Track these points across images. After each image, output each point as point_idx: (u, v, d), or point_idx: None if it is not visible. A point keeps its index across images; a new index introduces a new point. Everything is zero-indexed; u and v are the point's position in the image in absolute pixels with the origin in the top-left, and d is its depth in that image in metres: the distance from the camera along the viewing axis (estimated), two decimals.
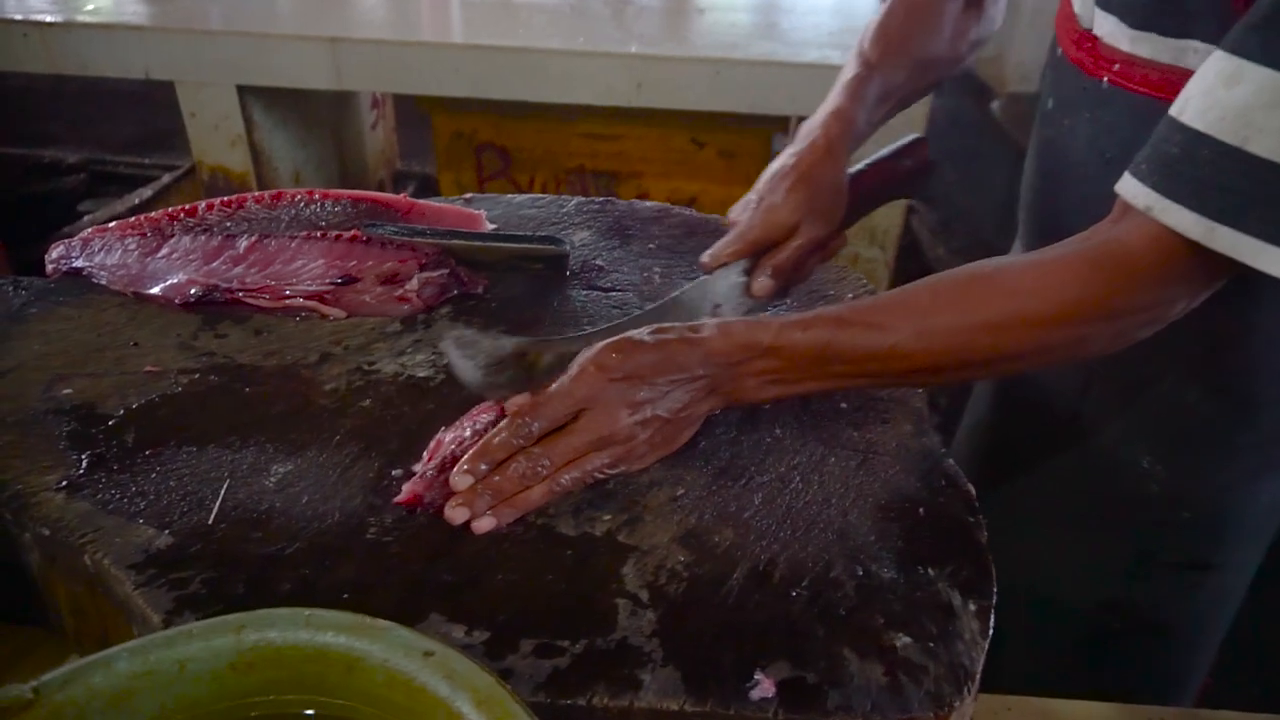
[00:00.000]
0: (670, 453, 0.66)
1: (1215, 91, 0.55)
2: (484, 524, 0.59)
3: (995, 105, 3.90)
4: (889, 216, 2.18)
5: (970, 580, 0.58)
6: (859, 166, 0.82)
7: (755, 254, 0.76)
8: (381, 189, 2.95)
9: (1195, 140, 0.56)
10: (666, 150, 2.38)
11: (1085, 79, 0.76)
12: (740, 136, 2.35)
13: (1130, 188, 0.60)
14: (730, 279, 0.76)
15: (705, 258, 0.77)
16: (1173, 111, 0.58)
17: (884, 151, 0.84)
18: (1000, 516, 0.96)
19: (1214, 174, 0.55)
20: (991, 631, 0.56)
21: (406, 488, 0.62)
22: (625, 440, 0.62)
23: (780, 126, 2.64)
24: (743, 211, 0.78)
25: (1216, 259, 0.56)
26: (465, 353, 0.64)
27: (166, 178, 2.44)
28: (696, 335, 0.63)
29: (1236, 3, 0.60)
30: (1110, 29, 0.72)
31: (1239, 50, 0.55)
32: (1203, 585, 0.89)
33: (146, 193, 2.33)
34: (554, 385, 0.62)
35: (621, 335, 0.63)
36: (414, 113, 2.43)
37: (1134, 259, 0.59)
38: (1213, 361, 0.79)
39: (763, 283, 0.75)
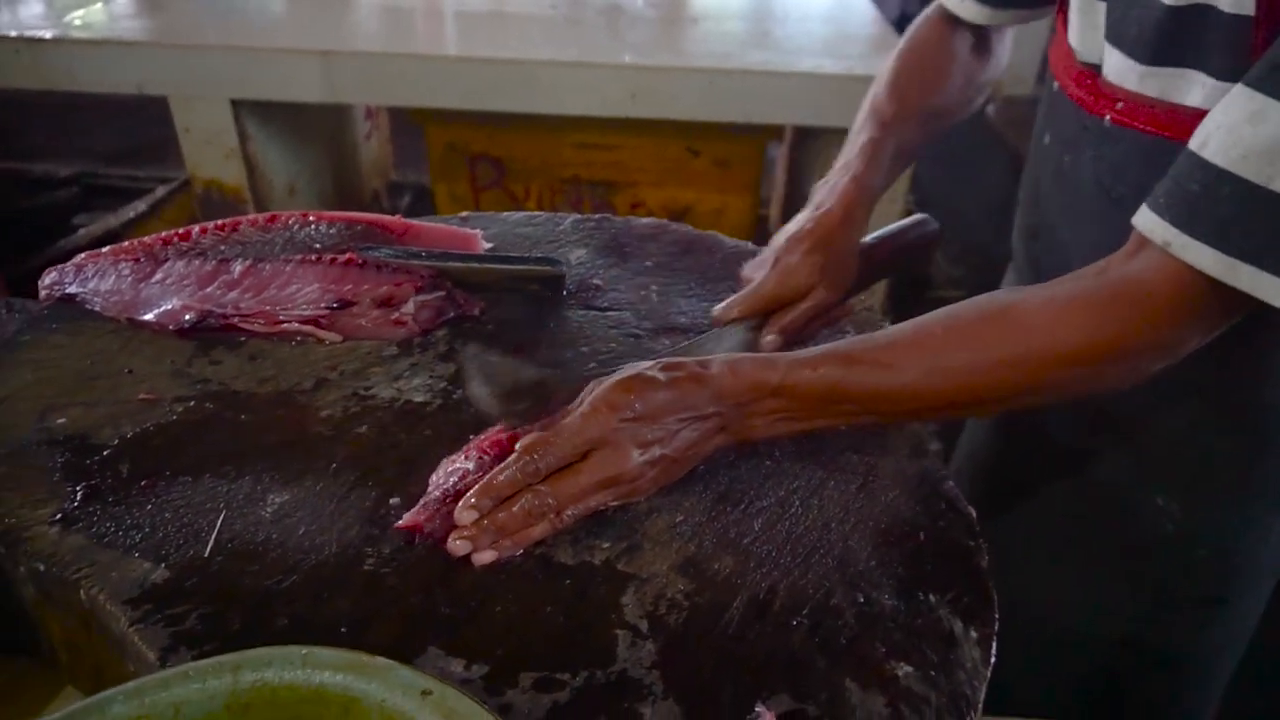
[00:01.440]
0: (670, 483, 0.65)
1: (1240, 129, 0.55)
2: (485, 557, 0.59)
3: (990, 109, 3.91)
4: (887, 221, 2.18)
5: (971, 607, 0.58)
6: (870, 239, 0.83)
7: (766, 313, 0.77)
8: (376, 200, 2.95)
9: (1218, 177, 0.55)
10: (661, 159, 2.38)
11: (1087, 117, 0.75)
12: (735, 145, 2.35)
13: (1148, 222, 0.59)
14: (739, 335, 0.76)
15: (717, 311, 0.77)
16: (1193, 146, 0.58)
17: (894, 227, 0.86)
18: (1010, 550, 0.96)
19: (1236, 212, 0.55)
20: (994, 659, 0.55)
21: (407, 516, 0.62)
22: (632, 480, 0.62)
23: (775, 135, 2.64)
24: (757, 269, 0.79)
25: (1235, 296, 0.56)
26: (485, 377, 0.64)
27: (161, 191, 2.43)
28: (706, 372, 0.62)
29: (1258, 37, 0.59)
30: (1117, 64, 0.70)
31: (1264, 88, 0.54)
32: (1216, 620, 0.88)
33: (140, 206, 2.32)
34: (564, 421, 0.62)
35: (633, 372, 0.62)
36: (409, 122, 2.43)
37: (1150, 296, 0.59)
38: (1228, 398, 0.78)
39: (771, 341, 0.75)
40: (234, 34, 2.13)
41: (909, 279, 2.86)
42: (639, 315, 0.86)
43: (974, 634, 0.56)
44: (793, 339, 0.76)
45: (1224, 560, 0.85)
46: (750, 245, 1.00)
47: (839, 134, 0.91)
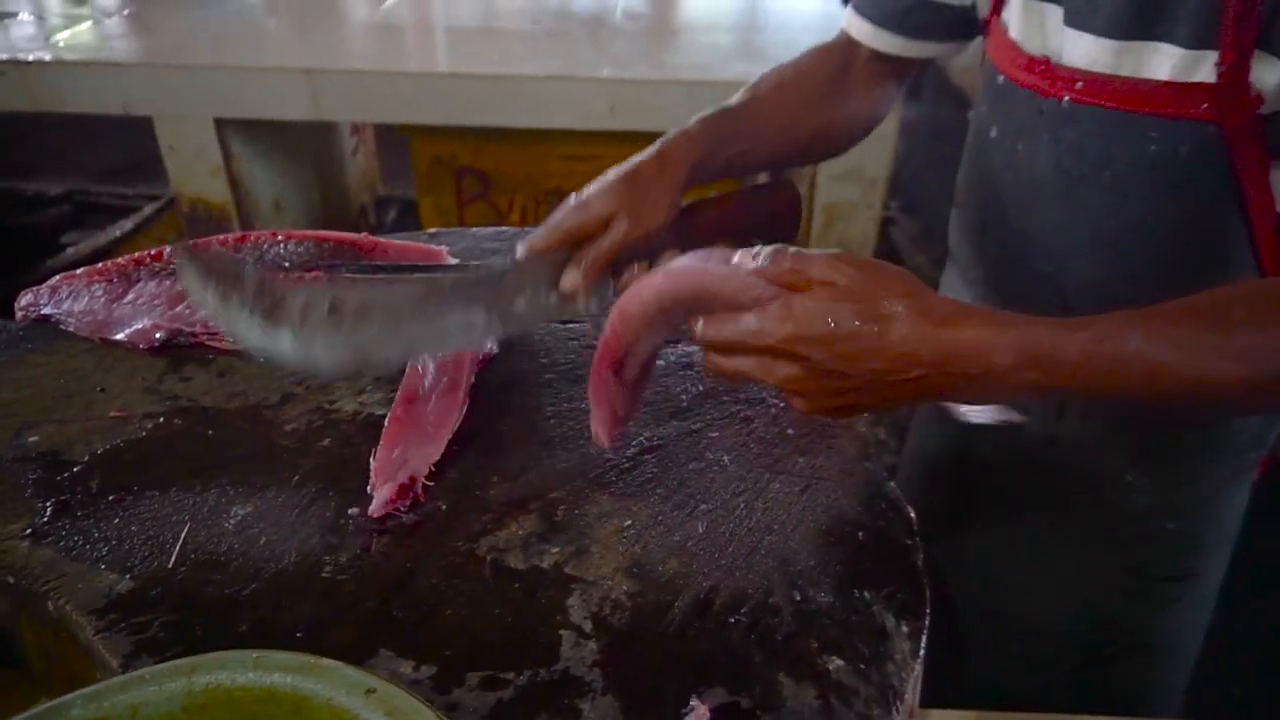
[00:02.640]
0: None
1: None
2: None
3: (971, 114, 3.94)
4: (862, 229, 2.21)
5: (906, 603, 0.61)
6: (711, 195, 0.79)
7: (569, 246, 0.71)
8: (364, 215, 2.98)
9: None
10: None
11: (1042, 101, 0.77)
12: None
13: None
14: (537, 270, 0.70)
15: (520, 250, 0.72)
16: None
17: (745, 188, 0.80)
18: (978, 544, 0.98)
19: None
20: (924, 652, 0.58)
21: None
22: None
23: None
24: (559, 209, 0.73)
25: None
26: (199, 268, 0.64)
27: (148, 209, 2.46)
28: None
29: (1228, 2, 0.61)
30: (1087, 47, 0.72)
31: None
32: (1184, 596, 0.91)
33: (127, 224, 2.35)
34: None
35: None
36: (396, 136, 2.46)
37: None
38: None
39: (571, 276, 0.70)
40: (218, 53, 2.17)
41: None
42: (599, 327, 0.89)
43: (905, 628, 0.59)
44: (598, 278, 0.70)
45: (1192, 534, 0.87)
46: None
47: None
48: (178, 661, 0.50)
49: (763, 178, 0.82)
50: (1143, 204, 0.73)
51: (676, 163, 0.73)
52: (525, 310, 0.70)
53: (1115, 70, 0.71)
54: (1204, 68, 0.66)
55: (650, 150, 0.74)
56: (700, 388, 0.81)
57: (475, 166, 2.41)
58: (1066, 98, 0.75)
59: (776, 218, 0.80)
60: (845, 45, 0.92)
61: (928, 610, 0.60)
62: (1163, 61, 0.68)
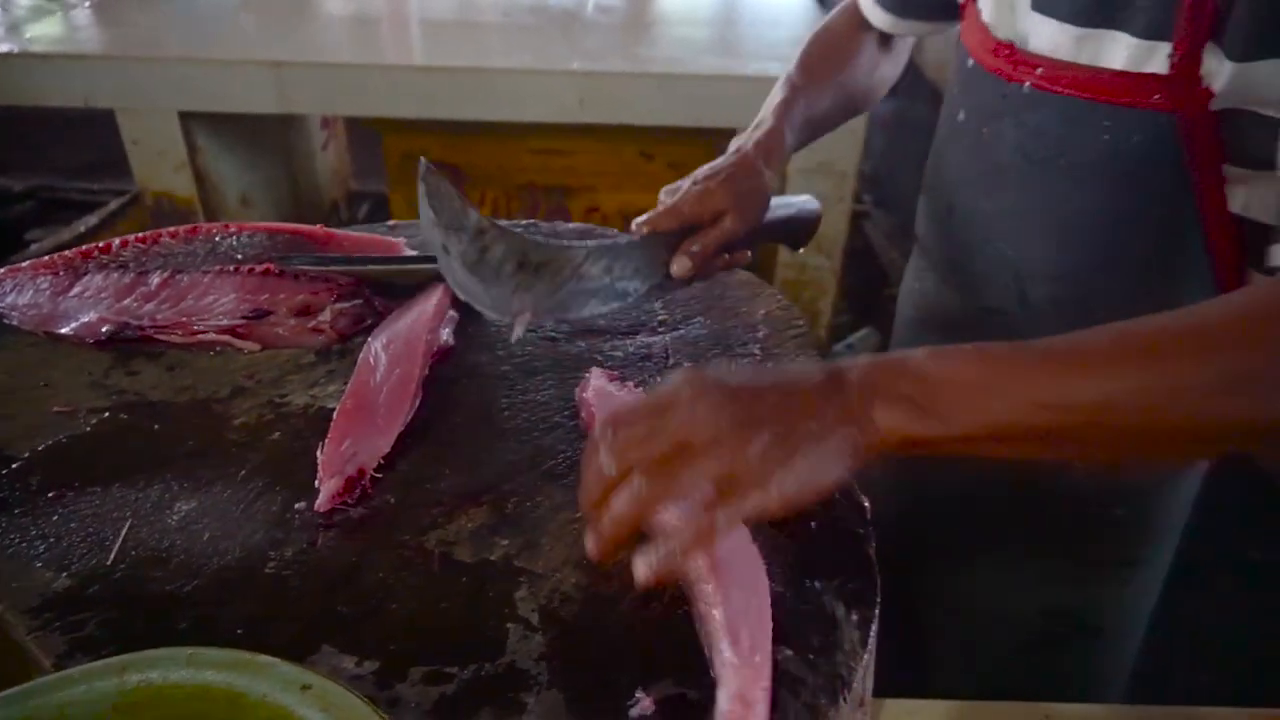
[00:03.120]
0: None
1: None
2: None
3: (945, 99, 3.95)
4: (833, 224, 2.21)
5: (856, 592, 0.60)
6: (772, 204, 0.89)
7: (682, 232, 0.81)
8: (335, 210, 2.95)
9: None
10: (616, 164, 2.40)
11: (1006, 86, 0.78)
12: (688, 148, 2.38)
13: None
14: (649, 249, 0.80)
15: (638, 227, 0.81)
16: None
17: (790, 199, 0.92)
18: (934, 535, 0.99)
19: None
20: (873, 640, 0.58)
21: None
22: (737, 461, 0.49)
23: (728, 138, 2.67)
24: (672, 194, 0.83)
25: None
26: (433, 202, 0.71)
27: (114, 204, 2.42)
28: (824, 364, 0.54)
29: None
30: (1051, 33, 0.73)
31: None
32: (1131, 581, 0.93)
33: (92, 220, 2.31)
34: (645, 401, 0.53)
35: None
36: (368, 131, 2.44)
37: None
38: None
39: (682, 263, 0.80)
40: (183, 45, 2.14)
41: (868, 277, 2.90)
42: (558, 319, 0.88)
43: (855, 617, 0.58)
44: (700, 268, 0.81)
45: (1141, 520, 0.88)
46: None
47: None
48: (109, 660, 0.49)
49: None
50: (1098, 191, 0.74)
51: (773, 161, 0.84)
52: (640, 285, 0.81)
53: (1075, 58, 0.72)
54: (1157, 58, 0.66)
55: (745, 150, 0.84)
56: (658, 379, 0.80)
57: (447, 161, 2.40)
58: (1028, 83, 0.76)
59: (806, 223, 0.94)
60: (854, 11, 0.99)
61: (878, 599, 0.60)
62: (1119, 51, 0.69)
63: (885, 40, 0.99)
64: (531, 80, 2.08)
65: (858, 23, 0.99)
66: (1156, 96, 0.67)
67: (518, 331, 0.74)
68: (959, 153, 0.88)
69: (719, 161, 0.84)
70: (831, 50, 0.97)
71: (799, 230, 0.93)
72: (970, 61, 0.84)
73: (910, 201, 1.02)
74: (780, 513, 0.50)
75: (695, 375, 0.52)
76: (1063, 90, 0.73)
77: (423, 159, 0.72)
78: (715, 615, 0.53)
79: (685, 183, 0.83)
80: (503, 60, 2.14)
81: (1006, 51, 0.78)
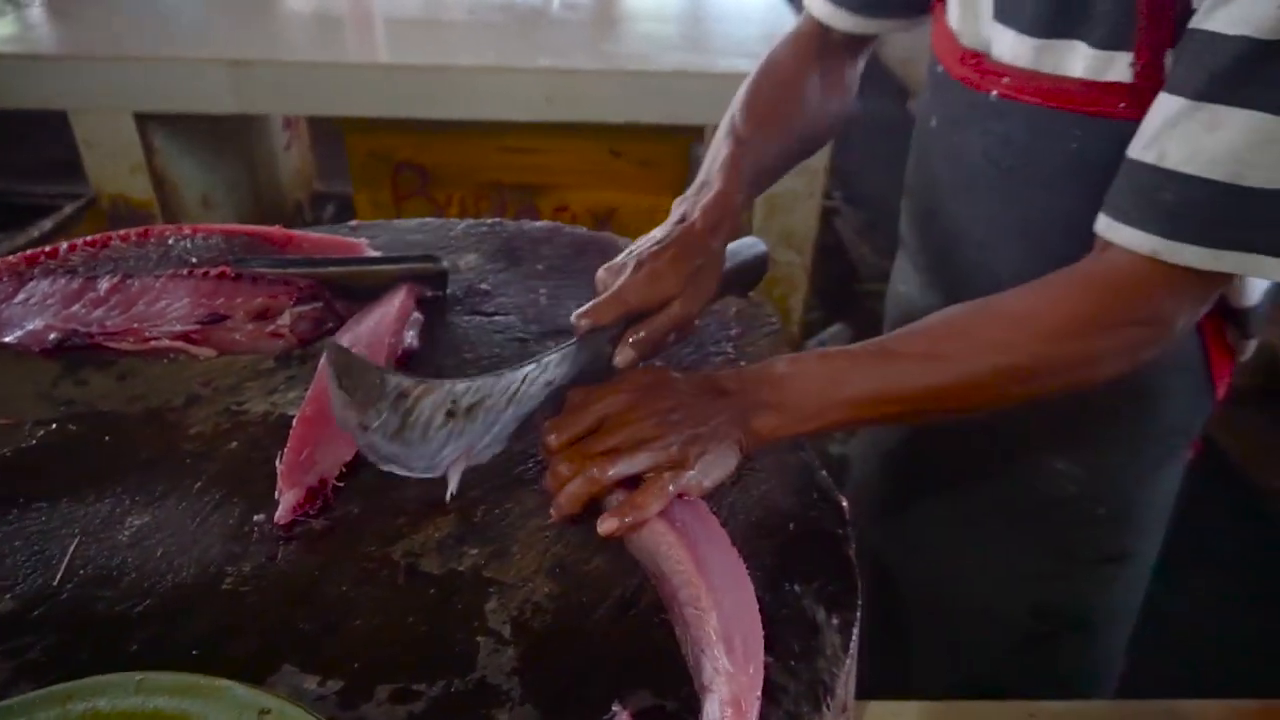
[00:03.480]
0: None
1: (1199, 138, 0.58)
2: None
3: (912, 105, 3.98)
4: (804, 220, 2.21)
5: (836, 595, 0.59)
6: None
7: (625, 320, 0.70)
8: (299, 211, 2.90)
9: (1187, 184, 0.59)
10: (585, 162, 2.37)
11: (974, 95, 0.77)
12: (658, 146, 2.36)
13: (1129, 236, 0.61)
14: (592, 348, 0.70)
15: (581, 319, 0.69)
16: (1149, 160, 0.61)
17: (735, 246, 0.82)
18: (918, 533, 0.98)
19: (1215, 211, 0.58)
20: (854, 645, 0.56)
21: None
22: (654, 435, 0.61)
23: (696, 135, 2.66)
24: (615, 274, 0.72)
25: (1218, 277, 0.60)
26: (343, 381, 0.61)
27: (69, 208, 2.35)
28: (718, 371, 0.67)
29: (1140, 5, 0.62)
30: (1011, 42, 0.73)
31: (1210, 97, 0.57)
32: (1118, 577, 0.93)
33: (46, 225, 2.25)
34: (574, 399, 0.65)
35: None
36: (332, 130, 2.39)
37: (1129, 276, 0.62)
38: None
39: (627, 354, 0.70)
40: (138, 44, 2.08)
41: (838, 273, 2.91)
42: (526, 319, 0.86)
43: (835, 621, 0.57)
44: (650, 352, 0.71)
45: (1123, 517, 0.88)
46: None
47: None
48: (52, 688, 0.47)
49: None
50: (1068, 199, 0.73)
51: (724, 232, 0.75)
52: (585, 380, 0.70)
53: (1036, 67, 0.72)
54: (1117, 67, 0.66)
55: (693, 220, 0.73)
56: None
57: (413, 160, 2.36)
58: (994, 92, 0.75)
59: (755, 269, 0.86)
60: (811, 33, 0.90)
61: (859, 602, 0.59)
62: (1077, 60, 0.69)
63: (835, 69, 0.91)
64: (498, 78, 2.05)
65: (804, 56, 0.90)
66: (1122, 105, 0.67)
67: (453, 486, 0.64)
68: (934, 158, 0.87)
69: (662, 233, 0.74)
70: (779, 93, 0.87)
71: (747, 278, 0.85)
72: (939, 68, 0.83)
73: (878, 198, 1.00)
74: (701, 490, 0.61)
75: (624, 384, 0.65)
76: (1029, 99, 0.72)
77: (330, 342, 0.63)
78: (709, 621, 0.51)
79: (627, 260, 0.72)
80: (469, 58, 2.10)
81: (973, 60, 0.77)
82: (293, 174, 2.85)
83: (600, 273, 0.73)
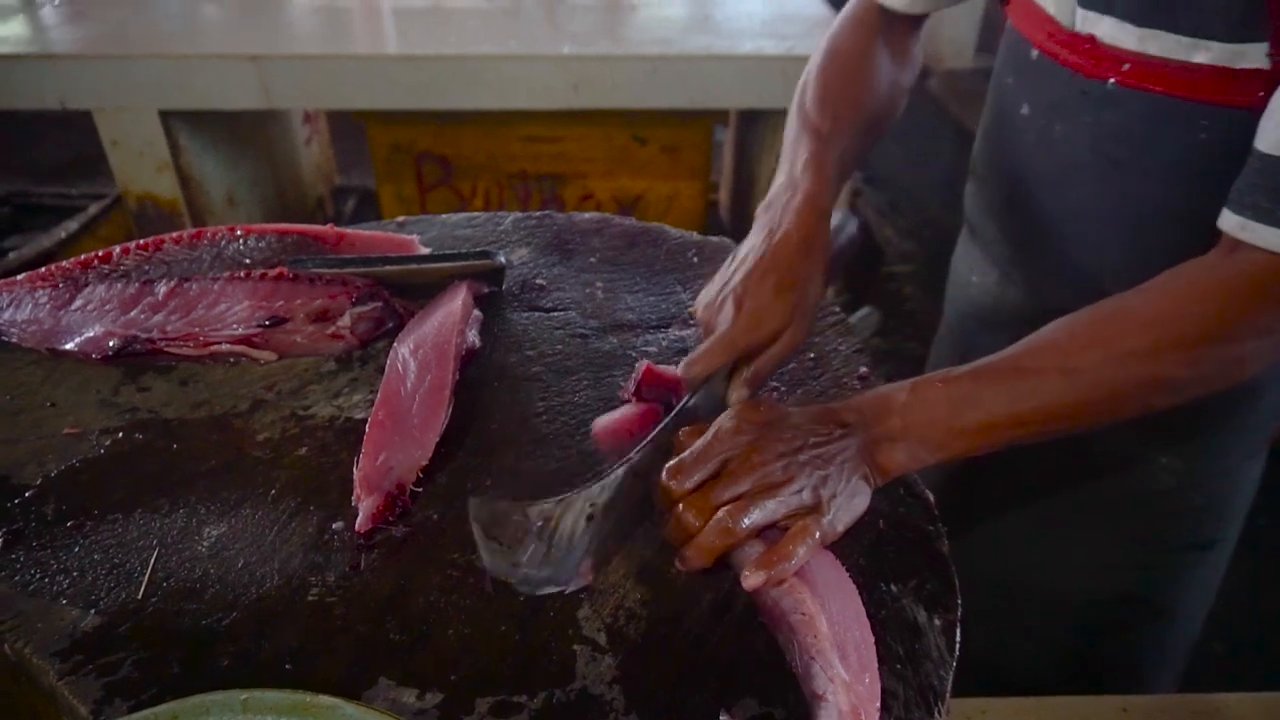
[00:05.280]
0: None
1: None
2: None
3: (932, 82, 3.93)
4: None
5: (934, 594, 0.57)
6: None
7: (735, 361, 0.67)
8: (320, 206, 2.89)
9: None
10: (608, 149, 2.35)
11: (1085, 82, 0.73)
12: (681, 131, 2.33)
13: (1270, 236, 0.58)
14: (709, 399, 0.67)
15: (689, 371, 0.66)
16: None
17: (836, 239, 0.77)
18: (998, 526, 0.96)
19: None
20: (958, 648, 0.55)
21: None
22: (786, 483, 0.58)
23: (720, 119, 2.63)
24: (716, 311, 0.68)
25: None
26: (490, 533, 0.57)
27: (94, 208, 2.35)
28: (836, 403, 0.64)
29: None
30: (1109, 29, 0.69)
31: None
32: (1202, 563, 0.91)
33: (72, 225, 2.24)
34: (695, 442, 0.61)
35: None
36: (351, 124, 2.37)
37: (1265, 281, 0.59)
38: None
39: (741, 393, 0.67)
40: (160, 42, 2.06)
41: (863, 255, 2.88)
42: (585, 314, 0.84)
43: (938, 622, 0.55)
44: (759, 388, 0.68)
45: (1216, 505, 0.87)
46: (695, 236, 0.98)
47: (782, 115, 0.88)
48: (157, 709, 0.46)
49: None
50: (1189, 193, 0.70)
51: (821, 241, 0.70)
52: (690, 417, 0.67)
53: (1143, 50, 0.67)
54: (1253, 56, 0.62)
55: (789, 229, 0.69)
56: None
57: (435, 152, 2.34)
58: (1112, 80, 0.71)
59: (852, 250, 0.83)
60: (869, 14, 0.86)
61: (959, 601, 0.57)
62: (1198, 51, 0.64)
63: (900, 41, 0.87)
64: (521, 66, 2.03)
65: (867, 35, 0.86)
66: (1260, 94, 0.62)
67: (588, 579, 0.59)
68: (1021, 146, 0.83)
69: (758, 251, 0.68)
70: (850, 79, 0.82)
71: (847, 259, 0.81)
72: (1034, 53, 0.78)
73: (901, 177, 0.97)
74: (836, 537, 0.58)
75: (742, 423, 0.60)
76: (1154, 88, 0.68)
77: (472, 500, 0.58)
78: (818, 627, 0.50)
79: (724, 294, 0.68)
80: (490, 47, 2.08)
81: (1086, 45, 0.72)
82: (313, 169, 2.84)
83: (700, 312, 0.70)
